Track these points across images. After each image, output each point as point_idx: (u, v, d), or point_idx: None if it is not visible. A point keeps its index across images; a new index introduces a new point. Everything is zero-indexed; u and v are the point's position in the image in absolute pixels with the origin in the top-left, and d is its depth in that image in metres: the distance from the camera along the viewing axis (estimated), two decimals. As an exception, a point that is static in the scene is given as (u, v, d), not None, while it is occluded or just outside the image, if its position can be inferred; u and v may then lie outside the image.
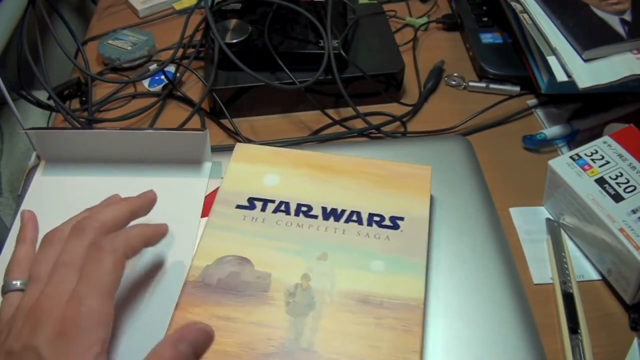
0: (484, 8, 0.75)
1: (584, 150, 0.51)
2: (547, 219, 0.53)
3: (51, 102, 0.63)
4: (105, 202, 0.45)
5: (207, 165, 0.54)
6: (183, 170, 0.54)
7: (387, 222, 0.46)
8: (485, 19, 0.74)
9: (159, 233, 0.42)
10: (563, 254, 0.49)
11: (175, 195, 0.52)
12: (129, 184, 0.53)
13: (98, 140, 0.53)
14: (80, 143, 0.53)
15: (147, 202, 0.44)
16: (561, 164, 0.50)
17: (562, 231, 0.52)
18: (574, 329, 0.44)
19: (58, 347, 0.33)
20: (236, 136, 0.62)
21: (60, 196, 0.52)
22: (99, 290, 0.35)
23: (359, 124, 0.63)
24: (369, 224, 0.46)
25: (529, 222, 0.53)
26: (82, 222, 0.39)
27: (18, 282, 0.39)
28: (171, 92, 0.68)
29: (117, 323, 0.42)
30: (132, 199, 0.44)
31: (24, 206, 0.52)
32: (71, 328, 0.33)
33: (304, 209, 0.48)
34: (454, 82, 0.69)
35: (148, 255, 0.47)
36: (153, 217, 0.50)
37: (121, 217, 0.41)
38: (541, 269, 0.50)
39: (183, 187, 0.53)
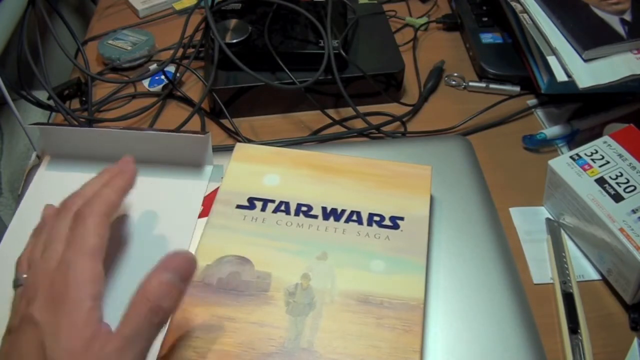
0: (484, 8, 0.75)
1: (584, 150, 0.51)
2: (547, 219, 0.53)
3: (51, 102, 0.63)
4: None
5: (208, 169, 0.54)
6: (184, 173, 0.54)
7: (387, 222, 0.46)
8: (485, 19, 0.74)
9: (130, 178, 0.42)
10: (563, 254, 0.49)
11: (175, 196, 0.52)
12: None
13: (102, 138, 0.53)
14: (85, 140, 0.53)
15: (130, 178, 0.43)
16: (561, 164, 0.50)
17: (562, 231, 0.52)
18: (574, 329, 0.44)
19: (51, 309, 0.33)
20: (236, 136, 0.62)
21: (61, 192, 0.52)
22: (84, 252, 0.36)
23: (359, 124, 0.63)
24: (369, 224, 0.46)
25: (529, 222, 0.53)
26: (65, 201, 0.41)
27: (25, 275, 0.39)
28: (171, 92, 0.68)
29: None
30: (113, 180, 0.42)
31: (25, 201, 0.52)
32: (61, 290, 0.34)
33: (304, 208, 0.47)
34: (454, 82, 0.69)
35: (145, 257, 0.47)
36: (151, 218, 0.50)
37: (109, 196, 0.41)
38: (541, 269, 0.50)
39: (183, 189, 0.52)
